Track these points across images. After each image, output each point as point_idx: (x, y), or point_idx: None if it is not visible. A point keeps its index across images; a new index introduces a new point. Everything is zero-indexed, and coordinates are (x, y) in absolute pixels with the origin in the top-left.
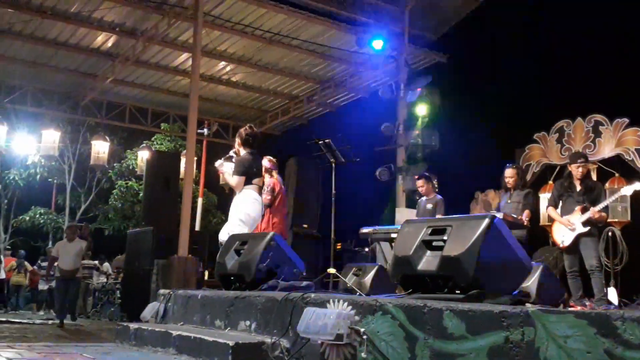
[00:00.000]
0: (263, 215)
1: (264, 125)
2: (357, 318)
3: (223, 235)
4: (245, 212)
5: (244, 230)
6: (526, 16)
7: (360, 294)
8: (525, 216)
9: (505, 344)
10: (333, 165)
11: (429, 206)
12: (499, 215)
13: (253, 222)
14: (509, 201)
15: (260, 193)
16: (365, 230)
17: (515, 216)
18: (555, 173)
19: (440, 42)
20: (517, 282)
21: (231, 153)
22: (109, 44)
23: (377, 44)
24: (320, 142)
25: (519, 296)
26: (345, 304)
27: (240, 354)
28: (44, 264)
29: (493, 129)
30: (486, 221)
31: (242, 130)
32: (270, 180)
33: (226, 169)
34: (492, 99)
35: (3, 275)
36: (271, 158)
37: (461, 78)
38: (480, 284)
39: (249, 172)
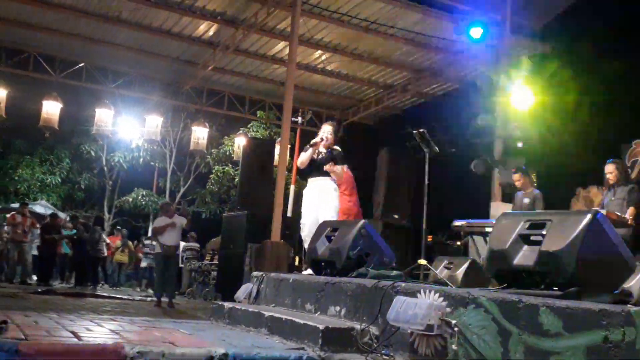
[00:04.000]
0: None
1: (357, 115)
2: (448, 310)
3: (309, 220)
4: (338, 201)
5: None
6: (634, 6)
7: (451, 287)
8: (629, 214)
9: (604, 344)
10: (427, 156)
11: (526, 200)
12: (602, 212)
13: None
14: (612, 198)
15: None
16: (458, 223)
17: (619, 214)
18: None
19: (543, 32)
20: (619, 281)
21: (323, 145)
22: (211, 32)
23: (476, 32)
24: (414, 132)
25: (620, 295)
26: (437, 295)
27: (331, 338)
28: (147, 241)
29: (597, 123)
30: (588, 216)
31: (336, 123)
32: None
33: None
34: (597, 91)
35: (105, 252)
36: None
37: (564, 69)
38: (580, 281)
39: None
